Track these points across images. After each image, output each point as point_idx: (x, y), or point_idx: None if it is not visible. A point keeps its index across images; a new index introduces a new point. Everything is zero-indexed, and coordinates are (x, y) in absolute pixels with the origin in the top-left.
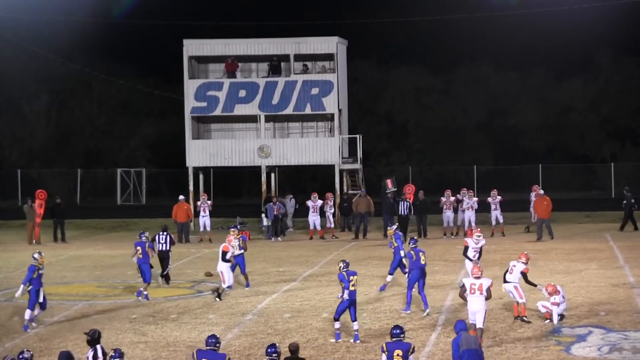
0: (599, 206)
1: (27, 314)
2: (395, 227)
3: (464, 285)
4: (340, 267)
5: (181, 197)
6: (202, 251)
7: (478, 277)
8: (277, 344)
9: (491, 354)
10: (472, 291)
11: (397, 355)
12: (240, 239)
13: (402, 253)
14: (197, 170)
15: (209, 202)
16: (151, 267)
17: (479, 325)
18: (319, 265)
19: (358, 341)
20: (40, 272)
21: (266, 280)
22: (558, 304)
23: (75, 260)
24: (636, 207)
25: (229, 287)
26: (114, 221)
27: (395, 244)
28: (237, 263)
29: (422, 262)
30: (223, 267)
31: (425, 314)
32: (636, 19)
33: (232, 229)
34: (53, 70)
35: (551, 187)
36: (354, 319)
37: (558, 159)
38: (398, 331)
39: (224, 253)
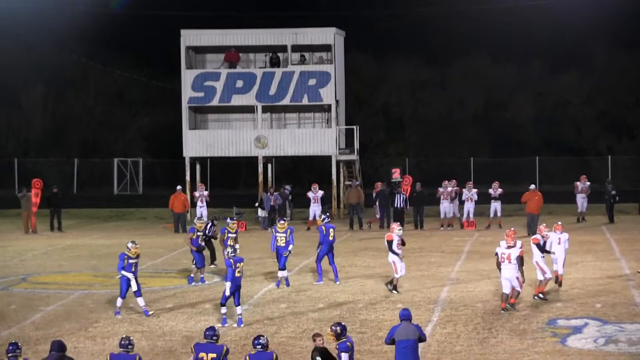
0: (595, 199)
1: (118, 302)
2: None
3: (497, 254)
4: (227, 252)
5: (179, 187)
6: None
7: (510, 247)
8: (264, 335)
9: (487, 346)
10: (502, 260)
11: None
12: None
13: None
14: (193, 160)
15: (206, 192)
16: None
17: (518, 288)
18: (315, 256)
19: (242, 325)
20: (130, 261)
21: (262, 271)
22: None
23: (71, 249)
24: (617, 199)
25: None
26: (111, 211)
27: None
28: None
29: (331, 238)
30: (394, 257)
31: (337, 283)
32: (632, 12)
33: (231, 221)
34: (49, 60)
35: (547, 179)
36: (238, 304)
37: (554, 151)
38: (341, 328)
39: (390, 242)
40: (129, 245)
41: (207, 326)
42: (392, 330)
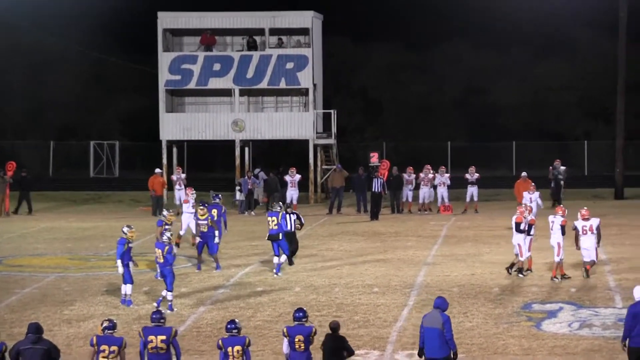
0: (572, 183)
1: (123, 288)
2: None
3: (576, 228)
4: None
5: (157, 170)
6: (175, 224)
7: (587, 219)
8: (237, 320)
9: (462, 329)
10: (584, 232)
11: (299, 340)
12: (209, 218)
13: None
14: (170, 143)
15: (184, 175)
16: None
17: (592, 258)
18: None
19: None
20: (129, 245)
21: (239, 254)
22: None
23: (47, 232)
24: (562, 183)
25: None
26: (87, 194)
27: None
28: (205, 242)
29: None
30: (520, 239)
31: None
32: None
33: (167, 213)
34: (27, 42)
35: (525, 164)
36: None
37: (533, 137)
38: (301, 314)
39: (518, 224)
40: (125, 229)
41: (155, 310)
42: (423, 319)
